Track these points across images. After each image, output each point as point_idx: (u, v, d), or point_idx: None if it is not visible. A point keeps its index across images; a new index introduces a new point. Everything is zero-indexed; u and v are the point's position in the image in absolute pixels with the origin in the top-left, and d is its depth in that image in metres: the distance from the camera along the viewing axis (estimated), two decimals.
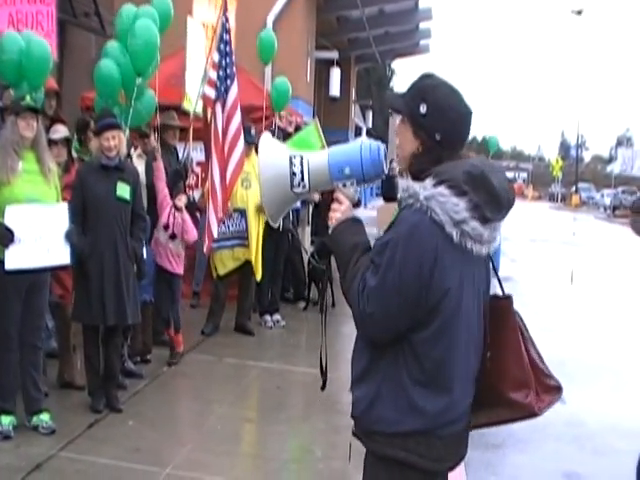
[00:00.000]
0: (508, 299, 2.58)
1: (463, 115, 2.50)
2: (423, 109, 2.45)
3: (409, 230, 2.33)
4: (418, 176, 2.42)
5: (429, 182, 2.35)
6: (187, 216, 7.25)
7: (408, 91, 2.55)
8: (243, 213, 8.14)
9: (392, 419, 2.40)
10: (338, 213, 2.56)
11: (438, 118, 2.44)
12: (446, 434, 2.43)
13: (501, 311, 2.54)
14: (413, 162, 2.50)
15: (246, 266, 8.47)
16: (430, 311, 2.35)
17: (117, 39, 6.78)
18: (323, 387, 2.81)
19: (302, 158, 2.59)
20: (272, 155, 2.66)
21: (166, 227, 7.12)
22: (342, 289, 2.50)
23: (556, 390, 2.56)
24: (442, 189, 2.33)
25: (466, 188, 2.33)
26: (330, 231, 2.57)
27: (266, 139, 2.73)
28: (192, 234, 7.28)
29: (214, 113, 7.72)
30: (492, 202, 2.38)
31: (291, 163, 2.58)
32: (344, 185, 2.58)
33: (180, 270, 7.36)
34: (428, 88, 2.50)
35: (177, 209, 7.15)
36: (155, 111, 7.55)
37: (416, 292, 2.32)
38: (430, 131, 2.46)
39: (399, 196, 2.41)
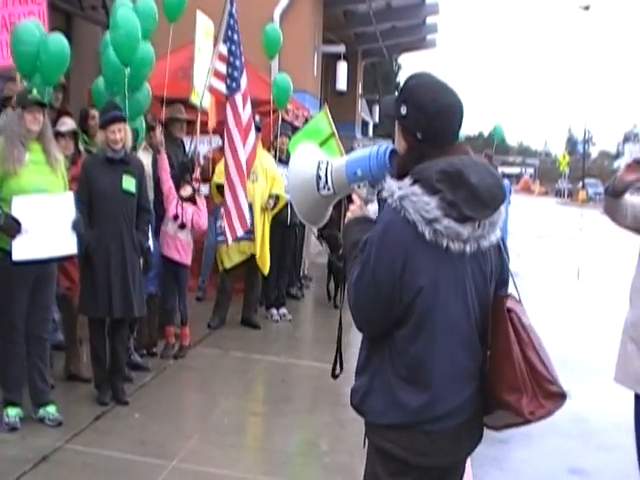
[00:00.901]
0: (502, 296, 2.57)
1: (445, 108, 2.49)
2: (404, 110, 2.52)
3: (383, 228, 2.44)
4: (403, 176, 2.47)
5: (406, 181, 2.42)
6: (201, 205, 7.30)
7: (397, 95, 2.62)
8: (250, 207, 8.15)
9: (380, 411, 2.50)
10: (349, 212, 2.71)
11: (416, 117, 2.49)
12: (433, 430, 2.46)
13: (495, 309, 2.54)
14: (399, 162, 2.56)
15: (252, 260, 8.48)
16: (406, 308, 2.42)
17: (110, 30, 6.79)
18: (334, 375, 2.85)
19: (328, 163, 2.78)
20: (302, 160, 2.89)
21: (175, 217, 7.12)
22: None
23: (559, 397, 2.50)
24: (415, 188, 2.39)
25: (439, 186, 2.36)
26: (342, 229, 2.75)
27: (303, 146, 3.00)
28: (204, 223, 7.34)
29: (232, 106, 7.70)
30: (472, 199, 2.38)
31: (318, 167, 2.77)
32: (358, 186, 2.74)
33: (188, 261, 7.33)
34: (409, 89, 2.56)
35: (182, 199, 7.17)
36: (162, 104, 7.56)
37: (389, 288, 2.40)
38: (411, 130, 2.51)
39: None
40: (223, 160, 7.96)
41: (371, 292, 2.43)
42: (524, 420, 2.49)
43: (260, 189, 8.37)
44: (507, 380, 2.46)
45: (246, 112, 7.91)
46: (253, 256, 8.46)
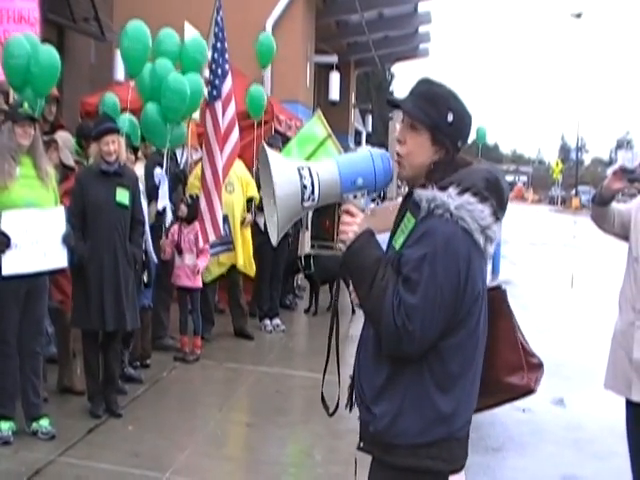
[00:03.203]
0: (499, 289, 2.65)
1: (472, 120, 2.57)
2: (450, 118, 2.45)
3: (445, 242, 2.32)
4: (437, 184, 2.38)
5: (453, 191, 2.35)
6: (196, 224, 7.53)
7: (425, 100, 2.48)
8: (225, 219, 8.15)
9: (417, 430, 2.39)
10: (355, 226, 2.47)
11: (462, 125, 2.50)
12: (462, 435, 2.47)
13: (496, 302, 2.59)
14: (433, 170, 2.47)
15: (232, 271, 8.55)
16: (464, 316, 2.38)
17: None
18: (333, 413, 2.75)
19: (310, 170, 2.47)
20: (283, 172, 2.47)
21: (179, 249, 7.44)
22: (363, 303, 2.43)
23: (539, 367, 2.64)
24: (468, 197, 2.34)
25: (487, 194, 2.37)
26: (348, 245, 2.46)
27: (270, 154, 2.52)
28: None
29: (212, 114, 7.75)
30: (501, 205, 2.43)
31: (301, 176, 2.45)
32: (354, 196, 2.50)
33: (199, 283, 7.64)
34: (449, 96, 2.50)
35: (180, 220, 7.43)
36: None
37: (455, 302, 2.33)
38: (455, 139, 2.49)
39: (422, 205, 2.36)
40: (197, 169, 8.08)
41: (438, 312, 2.31)
42: (528, 392, 2.63)
43: (237, 198, 8.51)
44: (511, 364, 2.59)
45: (226, 118, 7.96)
46: (233, 267, 8.49)
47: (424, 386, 2.38)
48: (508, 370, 2.59)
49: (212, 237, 7.75)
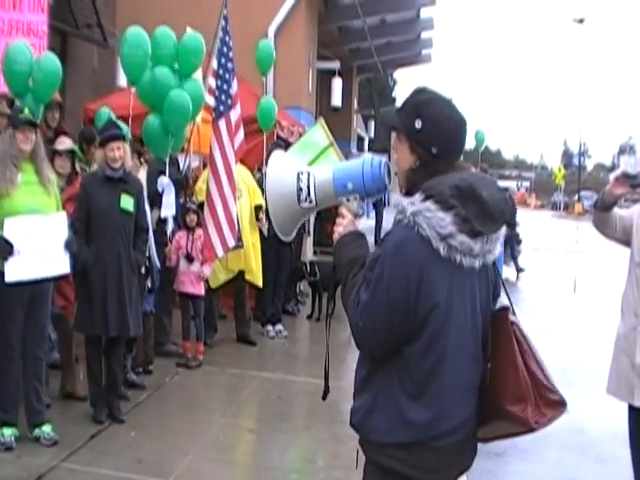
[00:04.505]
0: (505, 310, 2.57)
1: (458, 125, 2.52)
2: (418, 124, 2.48)
3: (396, 246, 2.39)
4: (411, 191, 2.45)
5: (418, 197, 2.39)
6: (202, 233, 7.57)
7: (402, 107, 2.57)
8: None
9: (385, 430, 2.45)
10: (340, 227, 2.63)
11: (434, 132, 2.47)
12: (440, 446, 2.44)
13: (498, 322, 2.54)
14: (409, 177, 2.53)
15: (239, 277, 8.54)
16: (420, 324, 2.39)
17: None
18: (324, 397, 2.82)
19: (309, 174, 2.67)
20: (280, 171, 2.76)
21: (190, 258, 7.46)
22: (342, 302, 2.54)
23: (560, 405, 2.52)
24: (429, 204, 2.36)
25: (453, 202, 2.35)
26: (333, 246, 2.63)
27: (277, 155, 2.85)
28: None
29: (216, 127, 7.71)
30: (483, 215, 2.39)
31: (298, 179, 2.66)
32: (347, 200, 2.64)
33: (201, 291, 7.66)
34: (422, 103, 2.52)
35: (188, 228, 7.49)
36: None
37: (404, 306, 2.36)
38: (427, 145, 2.48)
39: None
40: (205, 173, 8.05)
41: (385, 311, 2.37)
42: (528, 429, 2.49)
43: (245, 204, 8.50)
44: (512, 391, 2.46)
45: (236, 113, 7.93)
46: (240, 273, 8.49)
47: (392, 389, 2.44)
48: (510, 398, 2.47)
49: (221, 252, 7.65)
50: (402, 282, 2.35)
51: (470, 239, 2.37)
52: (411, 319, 2.37)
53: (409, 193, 2.46)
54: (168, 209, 7.13)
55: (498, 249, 2.51)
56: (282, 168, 2.78)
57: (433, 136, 2.47)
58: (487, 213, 2.40)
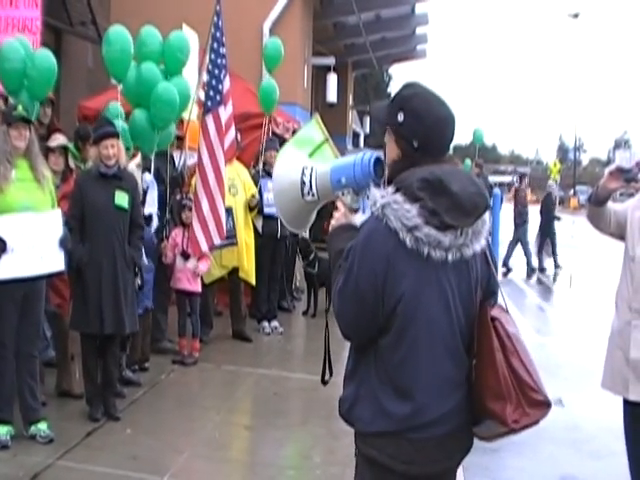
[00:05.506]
0: (485, 307, 2.56)
1: (441, 120, 2.53)
2: (400, 117, 2.52)
3: (365, 237, 2.45)
4: (385, 183, 2.53)
5: (389, 189, 2.44)
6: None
7: (390, 101, 2.61)
8: (230, 212, 8.14)
9: (367, 420, 2.49)
10: (333, 220, 2.71)
11: (414, 125, 2.50)
12: (417, 438, 2.45)
13: (480, 318, 2.53)
14: (392, 169, 2.57)
15: (233, 273, 8.54)
16: (388, 316, 2.43)
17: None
18: (323, 380, 2.84)
19: (312, 169, 2.79)
20: (286, 166, 2.92)
21: (186, 255, 7.46)
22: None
23: (544, 405, 2.48)
24: (397, 196, 2.40)
25: (420, 194, 2.38)
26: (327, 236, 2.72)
27: (285, 150, 3.12)
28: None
29: (203, 122, 7.68)
30: (453, 208, 2.40)
31: (302, 173, 2.79)
32: (343, 194, 2.73)
33: (198, 287, 7.67)
34: (405, 97, 2.57)
35: (183, 225, 7.51)
36: None
37: (372, 296, 2.42)
38: (408, 138, 2.52)
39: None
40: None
41: (355, 300, 2.44)
42: (509, 429, 2.47)
43: (240, 201, 8.48)
44: (491, 388, 2.46)
45: (227, 111, 7.90)
46: (234, 269, 8.49)
47: (371, 380, 2.49)
48: (490, 394, 2.46)
49: (205, 246, 7.58)
50: (370, 274, 2.41)
51: (438, 232, 2.38)
52: (379, 310, 2.42)
53: (390, 184, 2.50)
54: (150, 206, 7.08)
55: (481, 243, 2.49)
56: (289, 163, 2.91)
57: (414, 129, 2.50)
58: (459, 206, 2.40)
